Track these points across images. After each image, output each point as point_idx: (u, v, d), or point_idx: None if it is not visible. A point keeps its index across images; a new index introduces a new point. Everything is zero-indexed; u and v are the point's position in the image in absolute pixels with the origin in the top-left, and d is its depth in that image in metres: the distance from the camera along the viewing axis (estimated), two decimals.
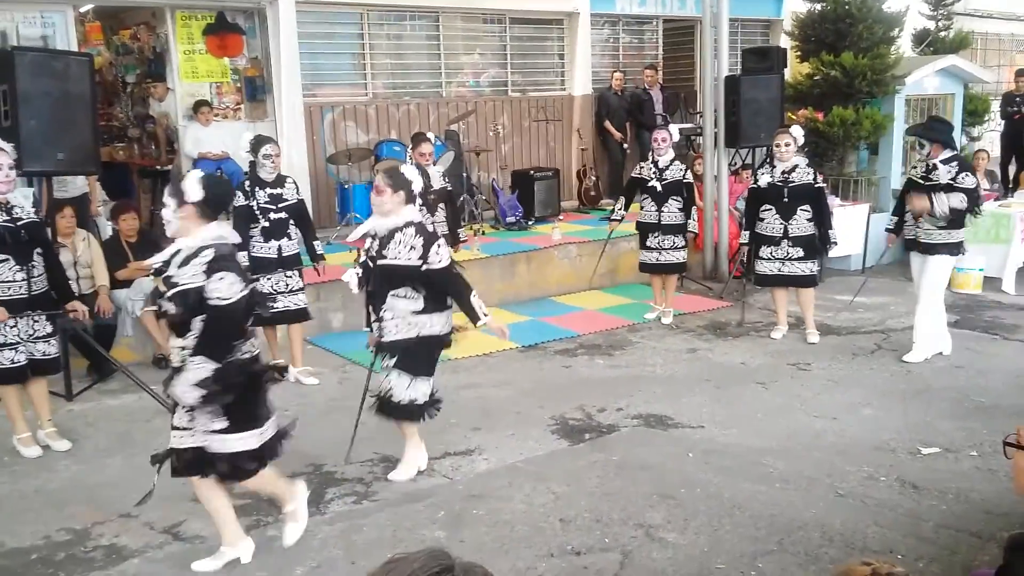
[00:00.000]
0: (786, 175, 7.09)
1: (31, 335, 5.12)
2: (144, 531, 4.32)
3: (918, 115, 10.60)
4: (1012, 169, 12.47)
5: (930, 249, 6.53)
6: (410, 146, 7.33)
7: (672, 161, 7.69)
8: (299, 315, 6.44)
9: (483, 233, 9.54)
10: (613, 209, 8.10)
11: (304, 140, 9.49)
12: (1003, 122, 12.88)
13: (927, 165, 6.67)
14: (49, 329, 5.22)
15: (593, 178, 11.40)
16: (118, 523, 4.41)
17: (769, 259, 7.24)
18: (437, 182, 7.16)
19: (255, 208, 6.18)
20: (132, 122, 10.78)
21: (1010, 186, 11.87)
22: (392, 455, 5.11)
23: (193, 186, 3.65)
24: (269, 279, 6.26)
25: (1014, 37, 19.00)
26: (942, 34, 13.36)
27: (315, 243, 6.52)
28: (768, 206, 7.20)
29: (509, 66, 11.36)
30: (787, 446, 5.17)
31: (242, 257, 6.15)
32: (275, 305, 6.29)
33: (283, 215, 6.26)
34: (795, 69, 10.88)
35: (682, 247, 7.79)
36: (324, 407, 6.04)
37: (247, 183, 6.27)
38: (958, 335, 7.03)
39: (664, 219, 7.66)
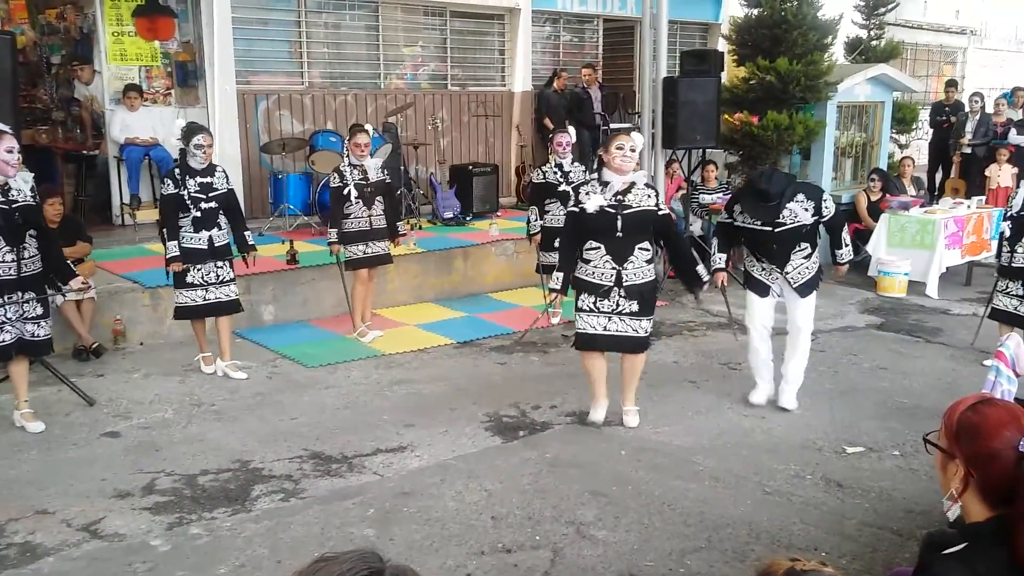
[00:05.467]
0: (619, 197, 5.11)
1: (21, 315, 5.12)
2: (61, 528, 4.17)
3: (849, 122, 10.85)
4: (939, 176, 12.86)
5: (806, 289, 5.69)
6: (347, 137, 7.19)
7: (572, 163, 7.59)
8: (230, 307, 6.30)
9: (420, 228, 9.46)
10: (529, 224, 7.60)
11: (237, 128, 9.28)
12: (931, 131, 13.27)
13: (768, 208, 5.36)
14: (39, 311, 5.23)
15: (532, 175, 11.41)
16: (33, 520, 4.25)
17: (591, 311, 5.23)
18: (374, 174, 7.05)
19: (185, 198, 6.03)
20: (56, 105, 10.38)
21: (936, 193, 12.23)
22: (323, 452, 5.03)
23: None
24: (199, 270, 6.11)
25: (942, 48, 19.58)
26: (874, 43, 13.68)
27: (245, 233, 6.36)
28: (596, 244, 5.18)
29: (449, 60, 11.29)
30: (717, 444, 5.23)
31: (172, 247, 6.04)
32: (205, 296, 6.16)
33: (213, 204, 6.11)
34: (732, 73, 11.01)
35: None
36: (252, 402, 5.91)
37: (177, 171, 6.10)
38: (883, 337, 7.19)
39: None
